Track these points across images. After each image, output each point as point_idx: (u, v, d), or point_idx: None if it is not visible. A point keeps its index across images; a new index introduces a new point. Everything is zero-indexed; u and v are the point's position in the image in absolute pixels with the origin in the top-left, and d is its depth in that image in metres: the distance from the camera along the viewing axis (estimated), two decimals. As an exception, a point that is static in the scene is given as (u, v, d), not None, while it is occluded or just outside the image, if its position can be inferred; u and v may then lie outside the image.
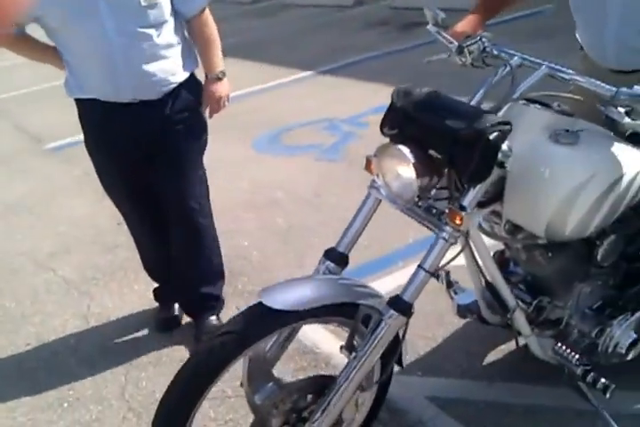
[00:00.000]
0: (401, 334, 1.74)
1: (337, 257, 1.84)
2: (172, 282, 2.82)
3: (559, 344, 2.01)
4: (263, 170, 4.41)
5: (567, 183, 1.71)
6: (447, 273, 2.20)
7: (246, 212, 3.86)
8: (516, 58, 1.81)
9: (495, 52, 1.89)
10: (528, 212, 1.78)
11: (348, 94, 5.65)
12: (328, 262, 1.84)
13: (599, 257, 1.93)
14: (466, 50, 1.93)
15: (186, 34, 2.52)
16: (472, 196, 1.65)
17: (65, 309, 3.13)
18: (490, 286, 1.92)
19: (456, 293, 2.19)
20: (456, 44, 1.95)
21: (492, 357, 2.47)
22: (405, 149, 1.62)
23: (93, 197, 4.05)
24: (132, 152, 2.49)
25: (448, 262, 1.70)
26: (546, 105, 1.81)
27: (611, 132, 1.83)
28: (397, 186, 1.69)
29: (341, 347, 1.75)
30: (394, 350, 1.75)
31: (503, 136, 1.58)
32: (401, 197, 1.69)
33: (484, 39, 1.93)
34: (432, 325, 2.65)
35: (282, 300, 1.60)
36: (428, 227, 1.72)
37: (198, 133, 2.59)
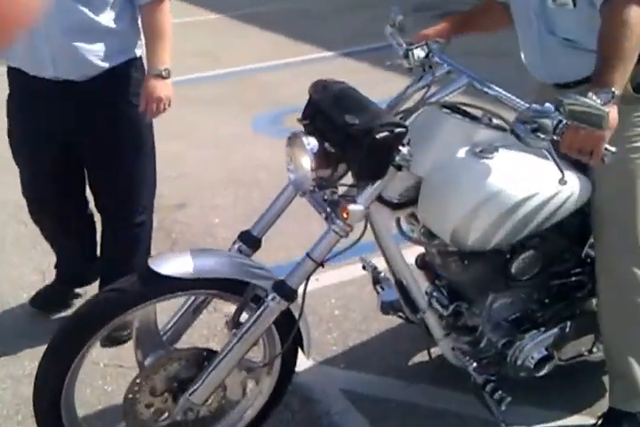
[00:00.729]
0: (297, 316, 1.77)
1: (250, 240, 1.88)
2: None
3: (464, 351, 2.02)
4: (255, 149, 4.42)
5: (473, 196, 1.73)
6: (374, 269, 2.22)
7: (226, 189, 3.89)
8: (445, 66, 1.81)
9: (434, 59, 1.89)
10: (437, 218, 1.81)
11: (367, 80, 5.60)
12: (240, 244, 1.88)
13: (514, 270, 1.94)
14: (410, 54, 1.93)
15: (140, 23, 2.38)
16: (366, 193, 1.68)
17: (27, 262, 3.21)
18: (399, 285, 1.93)
19: (382, 289, 2.20)
20: (404, 47, 1.95)
21: (419, 357, 2.48)
22: (307, 141, 1.65)
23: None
24: (53, 138, 2.38)
25: (335, 255, 1.74)
26: (474, 117, 1.81)
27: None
28: (297, 175, 1.72)
29: (226, 322, 1.80)
30: (288, 332, 1.78)
31: (395, 138, 1.59)
32: (300, 186, 1.71)
33: (430, 45, 1.93)
34: (369, 319, 2.66)
35: (170, 267, 1.66)
36: (324, 218, 1.73)
37: (130, 130, 2.40)
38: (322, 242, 1.72)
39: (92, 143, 2.39)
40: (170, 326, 1.89)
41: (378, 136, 1.57)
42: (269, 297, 1.71)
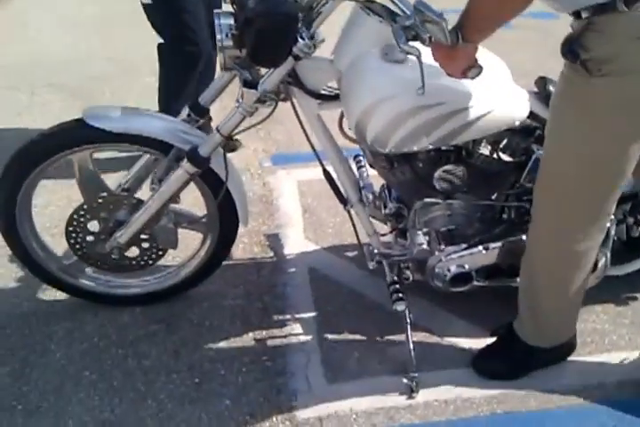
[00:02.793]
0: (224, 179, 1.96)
1: (197, 108, 2.06)
2: None
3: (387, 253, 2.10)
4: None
5: (371, 94, 1.75)
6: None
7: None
8: None
9: None
10: (348, 115, 1.86)
11: None
12: (189, 111, 2.07)
13: (436, 181, 1.94)
14: None
15: None
16: (264, 79, 1.80)
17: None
18: (326, 174, 2.02)
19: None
20: None
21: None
22: (218, 21, 1.78)
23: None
24: None
25: (243, 130, 1.92)
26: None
27: None
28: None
29: (152, 180, 2.05)
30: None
31: (284, 26, 1.66)
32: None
33: None
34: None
35: (99, 119, 1.89)
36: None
37: None
38: (229, 118, 1.88)
39: None
40: (127, 177, 2.16)
41: (265, 22, 1.64)
42: (183, 161, 1.92)
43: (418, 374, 2.03)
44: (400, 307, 2.03)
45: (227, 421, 1.95)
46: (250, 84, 1.81)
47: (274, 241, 2.67)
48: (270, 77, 1.80)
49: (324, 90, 1.90)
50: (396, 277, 2.08)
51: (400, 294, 2.03)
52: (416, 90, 1.58)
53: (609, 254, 2.08)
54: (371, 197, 2.04)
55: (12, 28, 4.79)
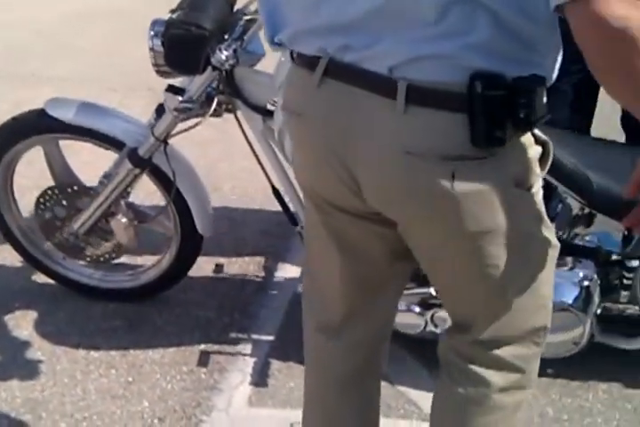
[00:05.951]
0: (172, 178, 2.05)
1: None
2: None
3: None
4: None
5: None
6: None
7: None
8: None
9: None
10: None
11: None
12: (155, 116, 2.10)
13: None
14: None
15: None
16: (187, 82, 1.91)
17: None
18: (276, 192, 2.05)
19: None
20: None
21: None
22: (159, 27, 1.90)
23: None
24: None
25: (178, 133, 2.00)
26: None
27: None
28: None
29: (103, 174, 2.16)
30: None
31: (194, 37, 1.77)
32: None
33: None
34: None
35: (59, 109, 2.06)
36: None
37: None
38: (161, 121, 1.99)
39: None
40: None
41: (172, 32, 1.78)
42: (125, 162, 2.05)
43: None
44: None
45: (136, 421, 2.01)
46: (176, 89, 1.90)
47: (271, 262, 2.71)
48: (192, 86, 1.89)
49: (272, 105, 1.92)
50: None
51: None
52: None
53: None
54: None
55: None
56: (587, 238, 1.93)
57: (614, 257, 1.88)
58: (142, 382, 2.14)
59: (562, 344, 1.91)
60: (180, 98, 1.89)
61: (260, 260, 2.72)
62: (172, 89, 1.91)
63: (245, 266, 2.68)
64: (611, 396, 2.08)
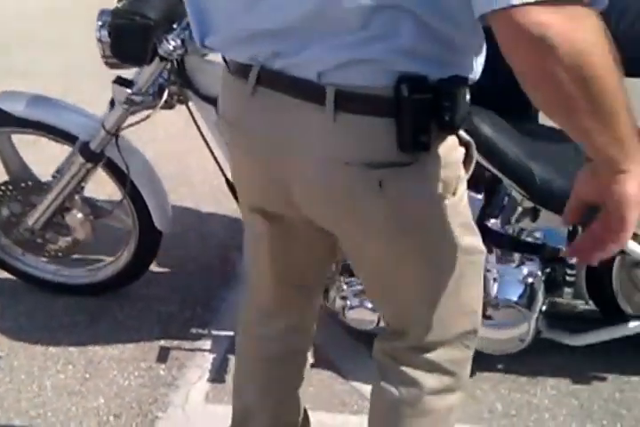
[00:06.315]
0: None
1: None
2: None
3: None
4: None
5: None
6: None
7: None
8: None
9: None
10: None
11: None
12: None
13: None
14: None
15: None
16: (138, 74, 1.89)
17: None
18: (229, 184, 2.00)
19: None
20: None
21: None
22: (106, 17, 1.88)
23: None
24: None
25: (129, 126, 1.98)
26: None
27: None
28: None
29: (56, 169, 2.15)
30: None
31: (138, 26, 1.75)
32: None
33: None
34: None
35: (8, 101, 2.05)
36: None
37: None
38: (110, 115, 1.96)
39: None
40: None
41: (117, 22, 1.77)
42: (77, 156, 2.03)
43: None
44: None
45: (91, 417, 2.01)
46: (124, 81, 1.88)
47: (237, 256, 2.69)
48: (140, 76, 1.87)
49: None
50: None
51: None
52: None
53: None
54: None
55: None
56: (533, 234, 1.91)
57: (560, 253, 1.86)
58: (99, 379, 2.13)
59: (508, 341, 1.91)
60: (129, 90, 1.87)
61: (226, 254, 2.71)
62: (120, 81, 1.88)
63: (211, 260, 2.67)
64: (559, 392, 2.08)
